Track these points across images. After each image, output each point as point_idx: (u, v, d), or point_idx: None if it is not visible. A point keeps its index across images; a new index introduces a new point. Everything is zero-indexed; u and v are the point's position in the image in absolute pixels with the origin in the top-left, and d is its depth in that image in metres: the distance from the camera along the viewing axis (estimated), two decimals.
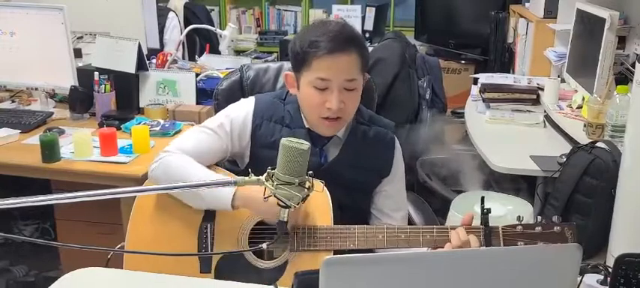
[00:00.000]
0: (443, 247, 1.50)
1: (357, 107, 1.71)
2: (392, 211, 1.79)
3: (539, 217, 1.49)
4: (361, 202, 1.79)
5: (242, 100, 1.80)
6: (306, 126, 1.71)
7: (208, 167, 1.70)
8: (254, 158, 1.72)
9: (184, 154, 1.67)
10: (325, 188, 1.54)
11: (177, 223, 1.64)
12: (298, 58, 1.64)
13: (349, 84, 1.62)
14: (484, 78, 3.16)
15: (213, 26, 3.80)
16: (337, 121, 1.66)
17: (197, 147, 1.70)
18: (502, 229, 1.48)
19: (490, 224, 1.49)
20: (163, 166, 1.66)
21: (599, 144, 2.02)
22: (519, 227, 1.47)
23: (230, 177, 1.57)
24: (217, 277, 1.60)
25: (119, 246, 1.73)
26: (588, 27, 2.75)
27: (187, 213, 1.64)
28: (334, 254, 1.54)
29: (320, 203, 1.57)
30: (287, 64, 2.09)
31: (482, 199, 1.49)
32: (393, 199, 1.81)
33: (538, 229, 1.46)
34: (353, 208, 1.73)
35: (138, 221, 1.67)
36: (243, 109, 1.74)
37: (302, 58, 1.62)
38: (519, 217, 1.49)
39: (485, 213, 1.48)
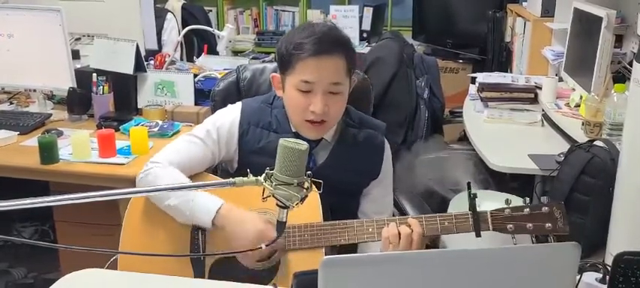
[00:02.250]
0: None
1: (342, 111, 1.70)
2: (375, 214, 1.78)
3: (527, 199, 1.49)
4: (351, 204, 1.79)
5: (229, 106, 1.80)
6: (294, 130, 1.71)
7: (198, 174, 1.71)
8: (242, 164, 1.72)
9: (173, 168, 1.66)
10: (315, 188, 1.54)
11: (170, 229, 1.64)
12: (283, 60, 1.64)
13: (334, 87, 1.61)
14: (482, 77, 3.16)
15: (211, 27, 3.79)
16: (321, 125, 1.65)
17: (185, 156, 1.70)
18: (490, 213, 1.48)
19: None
20: (151, 177, 1.66)
21: (597, 142, 2.02)
22: (507, 210, 1.47)
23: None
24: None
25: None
26: (585, 26, 2.75)
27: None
28: (325, 251, 1.55)
29: (309, 201, 1.56)
30: None
31: (469, 184, 1.49)
32: (377, 203, 1.80)
33: (526, 210, 1.46)
34: (342, 210, 1.73)
35: (131, 227, 1.68)
36: (229, 116, 1.74)
37: (287, 60, 1.62)
38: (507, 200, 1.49)
39: (473, 198, 1.48)
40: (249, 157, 1.69)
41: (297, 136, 1.69)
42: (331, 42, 1.60)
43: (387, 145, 1.82)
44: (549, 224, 1.45)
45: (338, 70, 1.61)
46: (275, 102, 1.76)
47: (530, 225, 1.46)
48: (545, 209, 1.46)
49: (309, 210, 1.56)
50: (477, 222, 1.48)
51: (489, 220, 1.48)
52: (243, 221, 1.56)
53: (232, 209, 1.58)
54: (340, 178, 1.71)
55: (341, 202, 1.72)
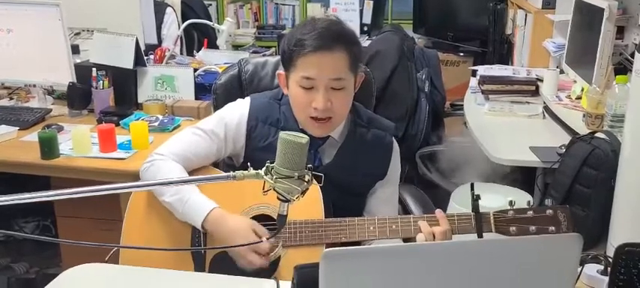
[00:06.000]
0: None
1: (348, 107, 1.68)
2: (382, 213, 1.76)
3: (531, 201, 1.47)
4: (355, 203, 1.78)
5: (238, 100, 1.79)
6: (301, 127, 1.69)
7: (202, 168, 1.70)
8: (248, 160, 1.70)
9: (176, 162, 1.66)
10: (316, 183, 1.53)
11: (171, 222, 1.64)
12: (285, 57, 1.63)
13: (336, 83, 1.59)
14: (483, 70, 3.15)
15: (211, 21, 3.78)
16: (326, 122, 1.63)
17: (189, 150, 1.69)
18: (493, 214, 1.47)
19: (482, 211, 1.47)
20: (153, 170, 1.66)
21: (598, 134, 2.02)
22: (511, 212, 1.46)
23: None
24: None
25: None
26: (587, 17, 2.74)
27: None
28: (327, 246, 1.54)
29: (310, 197, 1.55)
30: None
31: (472, 185, 1.46)
32: (384, 203, 1.79)
33: (530, 213, 1.45)
34: (346, 209, 1.72)
35: (132, 222, 1.67)
36: (237, 111, 1.73)
37: (288, 57, 1.61)
38: (511, 202, 1.47)
39: (476, 199, 1.46)
40: (256, 154, 1.68)
41: (303, 133, 1.68)
42: (332, 37, 1.58)
43: (396, 146, 1.80)
44: (553, 227, 1.43)
45: (340, 66, 1.59)
46: (283, 98, 1.74)
47: (533, 228, 1.43)
48: (549, 212, 1.44)
49: (311, 205, 1.56)
50: (480, 223, 1.46)
51: (492, 221, 1.46)
52: (233, 232, 1.55)
53: (224, 216, 1.57)
54: (346, 178, 1.70)
55: (344, 201, 1.70)
